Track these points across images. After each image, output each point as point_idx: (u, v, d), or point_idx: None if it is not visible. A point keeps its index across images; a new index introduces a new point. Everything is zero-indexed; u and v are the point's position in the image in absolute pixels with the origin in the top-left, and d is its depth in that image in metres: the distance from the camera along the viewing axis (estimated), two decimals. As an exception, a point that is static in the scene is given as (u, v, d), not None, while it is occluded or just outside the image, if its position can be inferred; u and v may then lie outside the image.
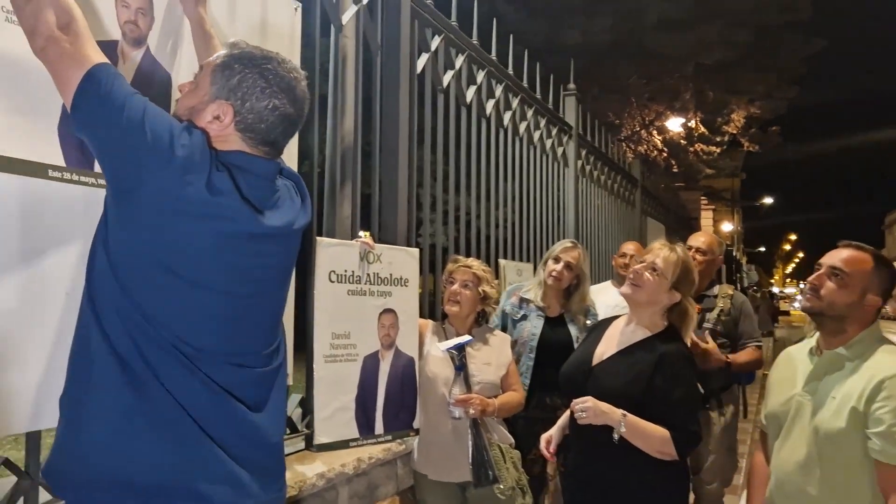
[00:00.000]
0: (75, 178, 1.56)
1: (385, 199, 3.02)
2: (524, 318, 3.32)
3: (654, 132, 15.50)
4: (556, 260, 3.31)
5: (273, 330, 1.56)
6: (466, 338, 2.73)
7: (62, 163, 1.54)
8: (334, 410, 2.40)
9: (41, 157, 1.49)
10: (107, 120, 1.27)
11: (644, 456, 2.17)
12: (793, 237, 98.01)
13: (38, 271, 1.49)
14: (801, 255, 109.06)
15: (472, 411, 2.58)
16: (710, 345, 3.13)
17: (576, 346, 3.03)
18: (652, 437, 2.16)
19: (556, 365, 2.55)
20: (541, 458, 2.92)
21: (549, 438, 2.50)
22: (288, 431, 2.40)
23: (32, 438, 1.56)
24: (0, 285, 1.44)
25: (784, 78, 15.81)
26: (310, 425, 2.36)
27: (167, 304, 1.32)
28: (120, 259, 1.30)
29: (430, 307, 3.35)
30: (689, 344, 2.38)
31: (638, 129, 15.25)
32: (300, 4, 2.42)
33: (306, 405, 2.48)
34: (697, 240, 3.56)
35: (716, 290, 3.51)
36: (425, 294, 3.18)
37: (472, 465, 2.58)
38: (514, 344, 3.16)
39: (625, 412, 2.15)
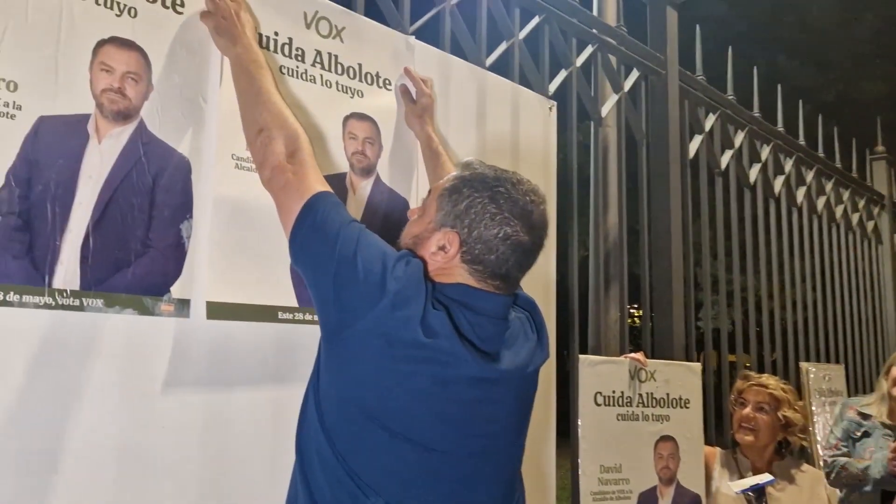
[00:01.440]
0: (308, 317, 1.48)
1: (658, 305, 2.66)
2: (866, 434, 2.82)
3: None
4: None
5: (508, 487, 1.31)
6: (767, 477, 2.23)
7: (294, 303, 1.48)
8: (606, 558, 2.05)
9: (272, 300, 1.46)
10: (319, 251, 1.18)
11: None
12: None
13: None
14: None
15: None
16: None
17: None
18: None
19: None
20: None
21: None
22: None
23: None
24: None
25: None
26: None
27: (373, 459, 1.15)
28: (326, 406, 1.17)
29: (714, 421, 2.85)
30: None
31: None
32: (555, 103, 2.24)
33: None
34: None
35: None
36: (709, 397, 2.71)
37: None
38: (858, 477, 2.68)
39: None
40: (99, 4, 1.26)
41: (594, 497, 2.06)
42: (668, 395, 2.30)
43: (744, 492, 2.19)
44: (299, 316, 1.48)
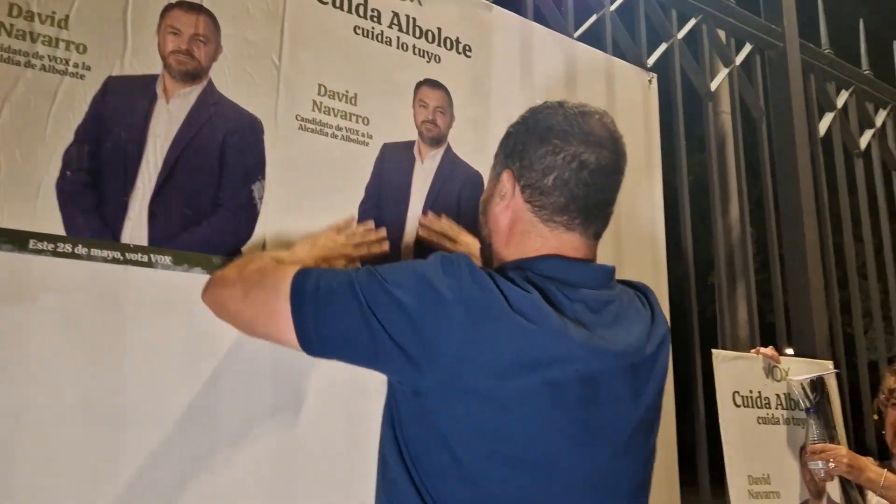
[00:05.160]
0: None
1: (792, 297, 2.37)
2: None
3: None
4: None
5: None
6: (830, 369, 2.04)
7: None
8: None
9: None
10: (343, 319, 0.97)
11: None
12: None
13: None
14: None
15: (832, 464, 1.84)
16: None
17: None
18: None
19: None
20: None
21: None
22: None
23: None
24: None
25: None
26: None
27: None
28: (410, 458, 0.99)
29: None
30: None
31: None
32: (654, 75, 2.09)
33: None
34: None
35: None
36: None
37: None
38: None
39: None
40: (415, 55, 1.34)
41: None
42: (808, 397, 2.02)
43: (801, 381, 1.96)
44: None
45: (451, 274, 0.96)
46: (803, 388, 1.98)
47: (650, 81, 2.07)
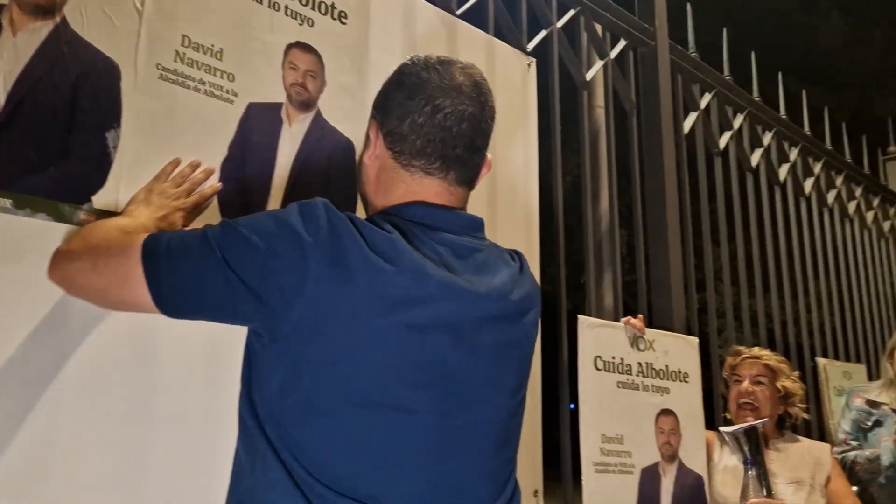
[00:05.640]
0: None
1: (655, 281, 2.51)
2: (878, 423, 2.62)
3: None
4: None
5: (501, 465, 1.09)
6: (761, 420, 2.07)
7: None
8: (609, 535, 1.88)
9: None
10: (198, 272, 0.95)
11: None
12: None
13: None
14: None
15: None
16: None
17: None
18: None
19: None
20: None
21: None
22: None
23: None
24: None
25: None
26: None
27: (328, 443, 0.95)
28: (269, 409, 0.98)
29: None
30: None
31: None
32: (534, 60, 2.15)
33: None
34: None
35: None
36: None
37: None
38: (871, 469, 2.53)
39: None
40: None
41: (596, 468, 1.89)
42: (667, 366, 2.14)
43: (734, 432, 2.02)
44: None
45: (308, 217, 0.95)
46: (737, 440, 2.03)
47: (529, 65, 2.13)
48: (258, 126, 1.45)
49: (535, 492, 1.86)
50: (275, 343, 0.96)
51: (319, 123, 1.55)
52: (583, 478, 1.86)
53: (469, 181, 1.12)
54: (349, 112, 1.60)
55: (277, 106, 1.49)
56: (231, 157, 1.40)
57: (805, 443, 2.22)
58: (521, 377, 1.13)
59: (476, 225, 1.13)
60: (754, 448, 1.99)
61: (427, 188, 1.07)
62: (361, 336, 0.94)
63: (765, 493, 1.93)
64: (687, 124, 2.81)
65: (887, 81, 9.23)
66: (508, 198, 1.96)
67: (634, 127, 2.56)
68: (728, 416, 2.24)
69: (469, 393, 1.02)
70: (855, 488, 2.54)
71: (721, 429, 2.09)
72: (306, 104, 1.53)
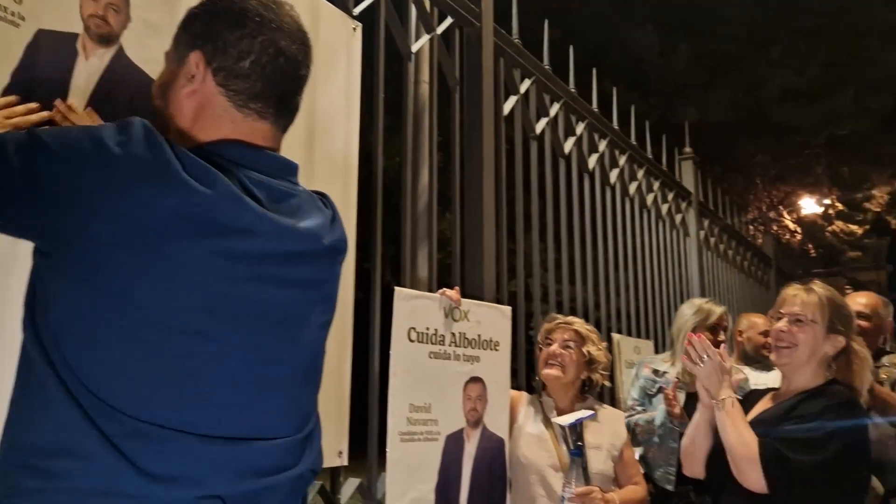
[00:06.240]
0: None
1: (469, 253, 2.60)
2: (661, 390, 2.85)
3: (785, 213, 14.35)
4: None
5: (305, 397, 1.10)
6: (588, 412, 2.22)
7: None
8: (410, 502, 1.92)
9: None
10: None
11: None
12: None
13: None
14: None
15: None
16: None
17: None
18: (738, 440, 1.77)
19: None
20: None
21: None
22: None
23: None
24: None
25: (932, 148, 14.35)
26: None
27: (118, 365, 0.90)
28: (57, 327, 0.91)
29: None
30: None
31: (766, 210, 14.18)
32: (360, 24, 2.13)
33: (369, 493, 2.03)
34: (857, 301, 2.90)
35: (885, 360, 2.83)
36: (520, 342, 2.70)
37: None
38: (647, 430, 2.77)
39: (735, 397, 1.85)
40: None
41: (402, 437, 1.94)
42: (479, 336, 2.24)
43: (569, 425, 2.16)
44: None
45: (124, 132, 0.91)
46: (564, 431, 2.17)
47: (355, 29, 2.11)
48: (49, 56, 1.33)
49: (340, 452, 1.87)
50: (65, 261, 0.90)
51: (122, 61, 1.44)
52: (387, 448, 1.90)
53: (287, 127, 1.13)
54: (156, 52, 1.49)
55: (72, 37, 1.37)
56: (13, 87, 1.26)
57: (607, 410, 2.42)
58: (327, 315, 1.14)
59: (291, 169, 1.13)
60: (579, 439, 2.16)
61: (257, 130, 1.06)
62: (166, 256, 0.90)
63: (583, 482, 2.07)
64: (507, 107, 2.94)
65: (687, 91, 10.23)
66: (328, 170, 1.94)
67: (457, 104, 2.63)
68: (537, 379, 2.39)
69: (276, 326, 1.02)
70: (638, 450, 2.82)
71: (553, 420, 2.23)
72: (106, 38, 1.42)
